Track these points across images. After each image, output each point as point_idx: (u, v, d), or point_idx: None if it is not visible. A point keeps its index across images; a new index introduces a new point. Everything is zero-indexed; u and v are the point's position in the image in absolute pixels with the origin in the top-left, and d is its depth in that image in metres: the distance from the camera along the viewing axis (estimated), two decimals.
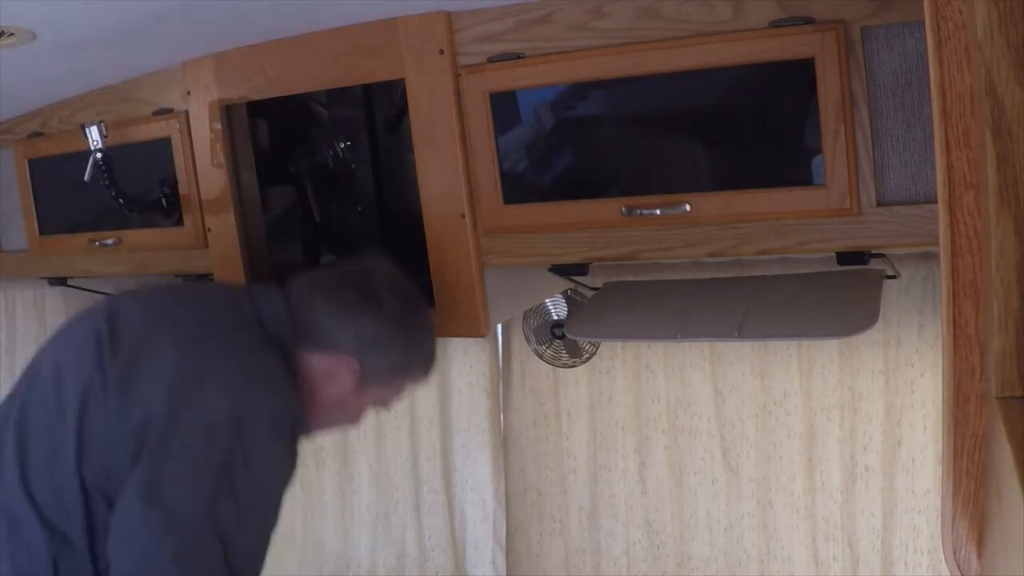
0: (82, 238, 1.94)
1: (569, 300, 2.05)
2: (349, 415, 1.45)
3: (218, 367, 1.27)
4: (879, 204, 1.25)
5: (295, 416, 1.30)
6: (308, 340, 1.36)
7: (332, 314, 1.37)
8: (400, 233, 1.78)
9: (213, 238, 1.78)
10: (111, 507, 1.21)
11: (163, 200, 1.81)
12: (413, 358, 1.44)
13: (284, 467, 1.28)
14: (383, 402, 1.47)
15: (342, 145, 1.79)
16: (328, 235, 1.91)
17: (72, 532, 1.23)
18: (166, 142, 1.77)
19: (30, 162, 1.97)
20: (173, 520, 1.16)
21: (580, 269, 1.53)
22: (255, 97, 1.67)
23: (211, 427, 1.21)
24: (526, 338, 2.13)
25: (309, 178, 1.82)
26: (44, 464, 1.26)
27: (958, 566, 0.89)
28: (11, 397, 1.38)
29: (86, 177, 1.65)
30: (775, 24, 1.24)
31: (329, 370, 1.37)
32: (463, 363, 2.31)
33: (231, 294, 1.42)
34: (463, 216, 1.51)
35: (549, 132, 1.45)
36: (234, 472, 1.19)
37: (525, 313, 2.08)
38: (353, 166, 1.85)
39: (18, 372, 2.51)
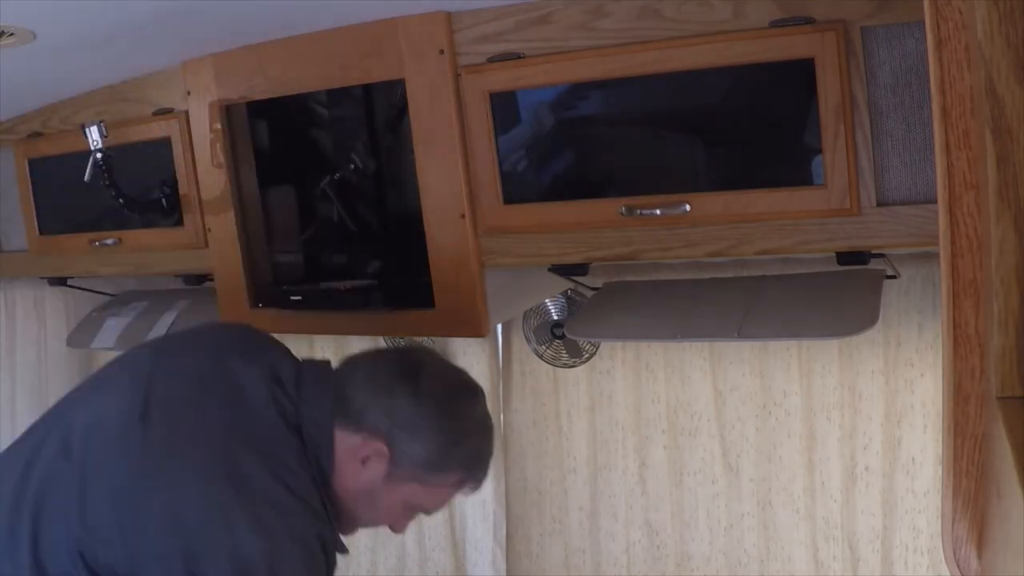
0: (82, 238, 1.94)
1: (569, 300, 2.05)
2: (383, 511, 1.33)
3: (247, 499, 1.17)
4: (879, 204, 1.25)
5: (326, 536, 1.23)
6: (342, 415, 1.27)
7: (366, 387, 1.28)
8: (400, 233, 1.78)
9: (213, 238, 1.78)
10: None
11: (163, 200, 1.81)
12: (453, 452, 1.29)
13: None
14: (422, 505, 1.34)
15: (356, 158, 1.78)
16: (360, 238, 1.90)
17: None
18: (166, 142, 1.77)
19: (30, 162, 1.97)
20: None
21: (580, 269, 1.53)
22: (255, 97, 1.67)
23: (242, 569, 1.13)
24: (526, 338, 2.13)
25: (337, 197, 1.81)
26: (59, 540, 1.19)
27: (958, 566, 0.89)
28: (30, 449, 1.28)
29: (86, 177, 1.65)
30: (775, 24, 1.24)
31: (356, 449, 1.27)
32: (463, 363, 2.31)
33: (267, 383, 1.27)
34: (463, 216, 1.51)
35: (549, 132, 1.45)
36: None
37: (525, 313, 2.08)
38: (371, 171, 1.85)
39: (18, 372, 2.53)
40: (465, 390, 1.35)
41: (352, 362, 1.36)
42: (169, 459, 1.19)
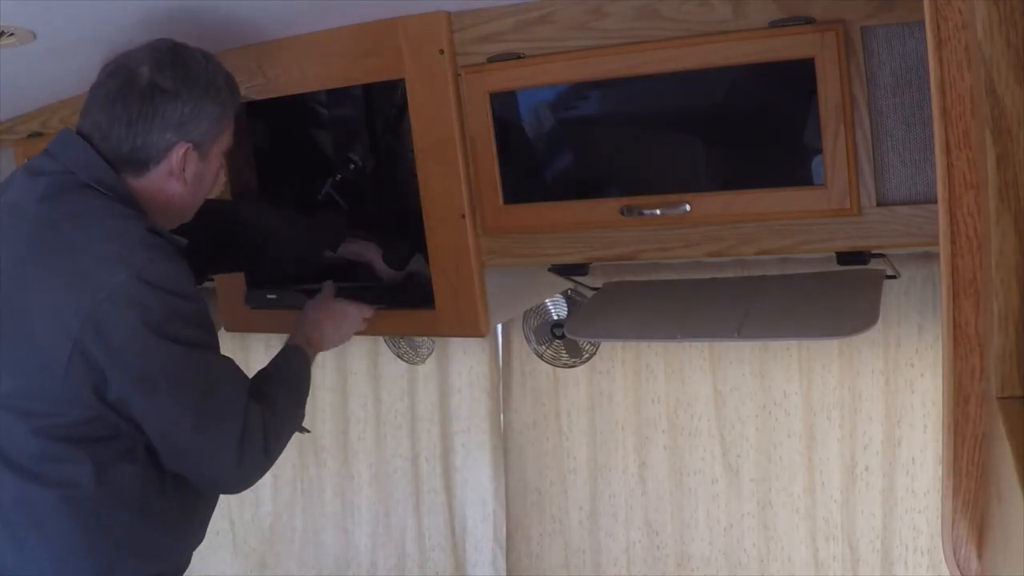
0: None
1: (569, 300, 2.05)
2: (212, 180, 1.40)
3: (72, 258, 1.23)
4: (879, 204, 1.26)
5: (156, 242, 1.26)
6: (131, 163, 1.30)
7: (133, 130, 1.28)
8: (400, 233, 1.78)
9: None
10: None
11: None
12: (218, 97, 1.34)
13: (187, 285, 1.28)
14: (230, 142, 1.41)
15: (355, 157, 1.78)
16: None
17: None
18: None
19: None
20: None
21: (580, 269, 1.53)
22: (255, 97, 1.67)
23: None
24: (526, 338, 2.13)
25: (344, 197, 1.81)
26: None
27: (958, 566, 0.90)
28: None
29: None
30: (775, 24, 1.24)
31: (168, 170, 1.31)
32: (463, 363, 2.31)
33: (29, 173, 1.32)
34: (463, 216, 1.51)
35: (549, 132, 1.45)
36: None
37: (525, 313, 2.08)
38: (370, 169, 1.85)
39: None
40: (181, 51, 1.34)
41: (88, 119, 1.33)
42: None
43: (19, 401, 1.25)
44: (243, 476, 1.31)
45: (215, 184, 1.41)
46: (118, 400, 1.22)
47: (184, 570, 1.44)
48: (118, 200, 1.28)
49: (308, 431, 1.50)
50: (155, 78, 1.28)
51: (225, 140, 1.38)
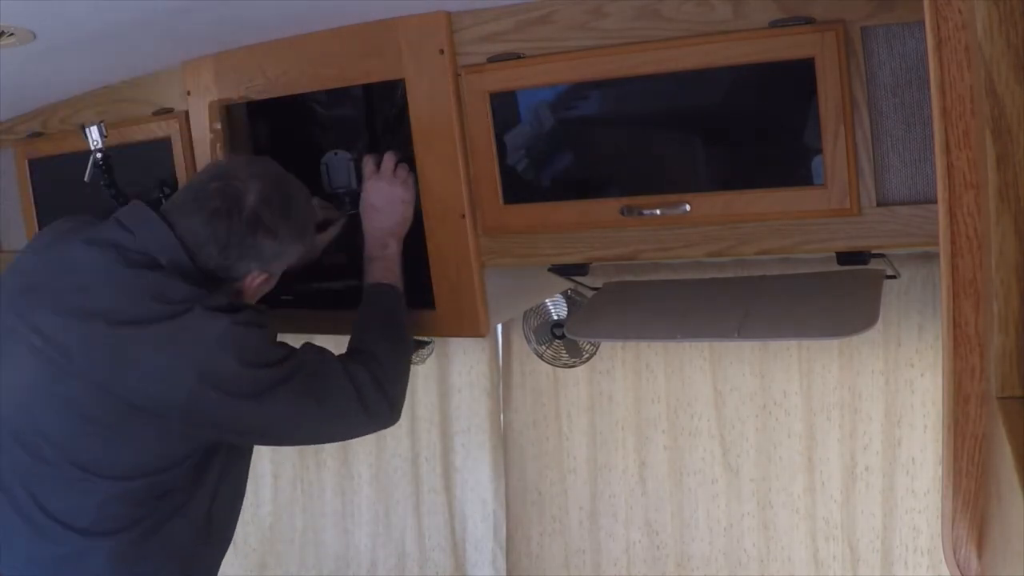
0: None
1: (569, 300, 2.05)
2: (269, 288, 1.47)
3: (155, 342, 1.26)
4: (879, 204, 1.25)
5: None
6: (206, 278, 1.35)
7: (226, 253, 1.34)
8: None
9: None
10: None
11: (163, 200, 1.80)
12: (306, 240, 1.45)
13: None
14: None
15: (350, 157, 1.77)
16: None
17: None
18: (166, 142, 1.77)
19: (30, 162, 1.97)
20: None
21: (580, 269, 1.53)
22: (255, 97, 1.67)
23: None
24: (526, 338, 2.13)
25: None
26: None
27: (958, 566, 0.89)
28: None
29: (86, 177, 1.65)
30: (775, 24, 1.24)
31: (242, 290, 1.40)
32: (463, 363, 2.32)
33: (103, 251, 1.32)
34: (463, 216, 1.51)
35: (549, 132, 1.45)
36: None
37: (525, 313, 2.08)
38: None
39: None
40: (287, 187, 1.41)
41: (179, 213, 1.35)
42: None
43: (89, 459, 1.28)
44: (377, 422, 1.41)
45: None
46: (232, 427, 1.32)
47: None
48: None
49: (429, 342, 1.59)
50: (260, 211, 1.35)
51: (293, 260, 1.45)
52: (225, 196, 1.34)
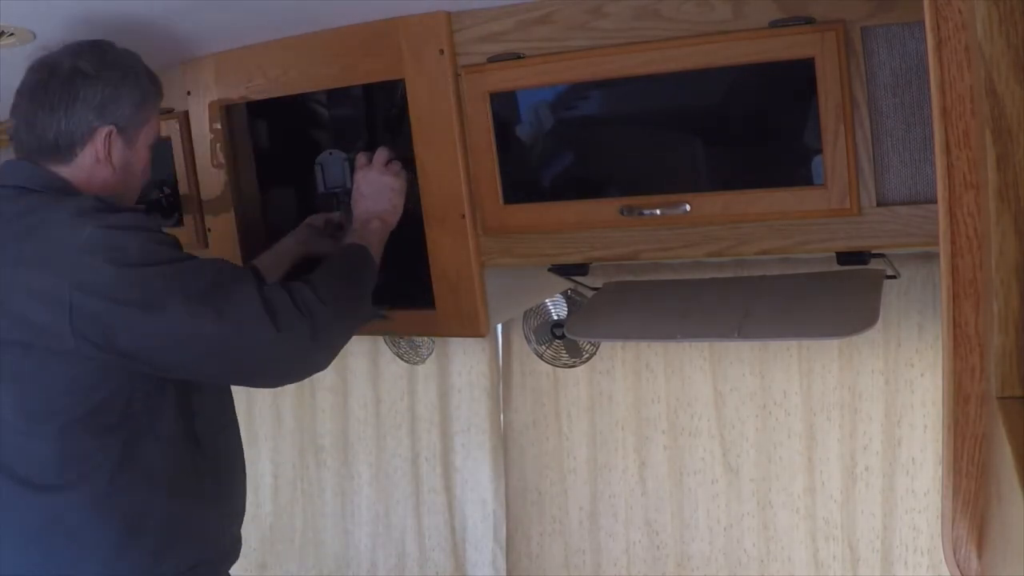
0: None
1: (569, 300, 2.05)
2: (142, 171, 1.42)
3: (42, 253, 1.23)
4: (879, 204, 1.26)
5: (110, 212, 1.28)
6: (57, 152, 1.31)
7: (55, 117, 1.30)
8: (400, 233, 1.78)
9: (213, 238, 1.78)
10: None
11: (163, 200, 1.80)
12: (141, 82, 1.38)
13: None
14: (156, 137, 1.44)
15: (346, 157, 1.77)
16: None
17: None
18: (166, 142, 1.77)
19: None
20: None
21: (580, 269, 1.53)
22: (255, 97, 1.67)
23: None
24: (526, 338, 2.13)
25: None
26: None
27: (958, 566, 0.89)
28: None
29: None
30: (775, 24, 1.24)
31: (94, 156, 1.33)
32: (463, 363, 2.32)
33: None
34: (463, 216, 1.51)
35: (549, 132, 1.45)
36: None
37: (525, 313, 2.08)
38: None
39: None
40: (98, 42, 1.37)
41: (13, 112, 1.35)
42: None
43: (30, 408, 1.24)
44: (293, 343, 1.26)
45: (144, 179, 1.44)
46: (131, 346, 1.21)
47: (234, 554, 1.43)
48: (58, 192, 1.30)
49: (383, 315, 1.51)
50: (75, 63, 1.31)
51: (151, 131, 1.40)
52: (41, 70, 1.32)
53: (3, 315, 1.23)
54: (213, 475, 1.36)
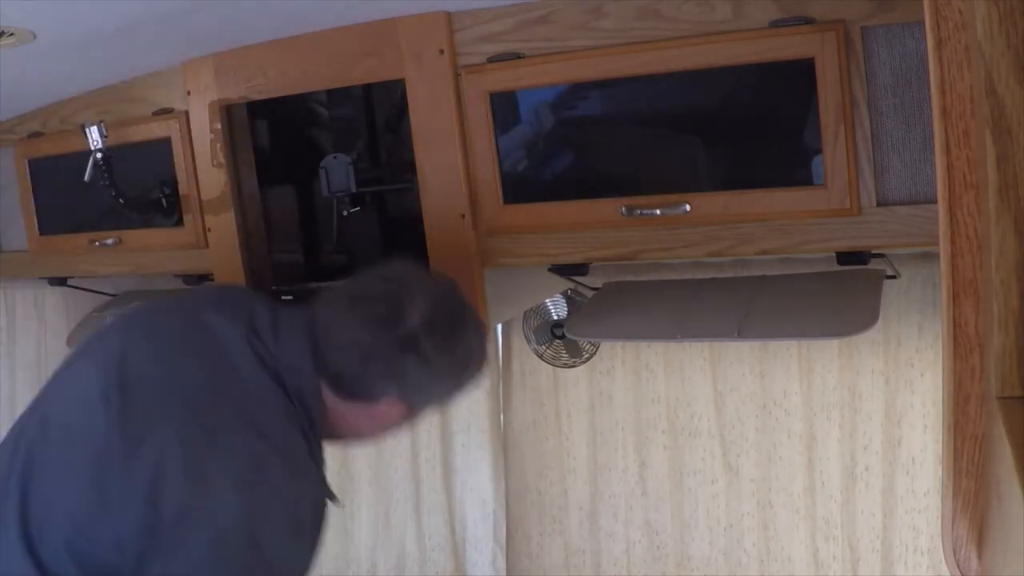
0: (82, 238, 1.94)
1: (569, 300, 2.05)
2: (378, 436, 1.34)
3: (226, 456, 1.12)
4: (879, 204, 1.25)
5: (316, 494, 1.20)
6: (340, 387, 1.21)
7: (367, 363, 1.19)
8: (400, 233, 1.78)
9: (213, 238, 1.78)
10: None
11: (163, 200, 1.80)
12: (462, 382, 1.28)
13: (307, 553, 1.18)
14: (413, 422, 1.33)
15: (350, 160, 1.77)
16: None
17: None
18: (166, 142, 1.77)
19: (30, 162, 1.97)
20: None
21: (580, 269, 1.53)
22: (255, 97, 1.67)
23: (221, 532, 1.09)
24: (526, 338, 2.13)
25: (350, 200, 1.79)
26: (53, 527, 1.14)
27: (958, 566, 0.89)
28: (12, 440, 1.24)
29: (86, 177, 1.65)
30: (775, 24, 1.24)
31: (374, 415, 1.24)
32: None
33: (243, 334, 1.21)
34: (463, 216, 1.51)
35: (549, 132, 1.45)
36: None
37: (525, 313, 2.08)
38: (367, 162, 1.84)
39: (18, 372, 2.53)
40: (459, 320, 1.24)
41: (327, 317, 1.23)
42: (145, 429, 1.13)
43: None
44: None
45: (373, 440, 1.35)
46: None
47: None
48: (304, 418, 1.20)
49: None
50: (420, 336, 1.18)
51: (419, 417, 1.29)
52: (388, 302, 1.20)
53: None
54: None
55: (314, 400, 1.21)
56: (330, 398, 1.22)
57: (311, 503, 1.19)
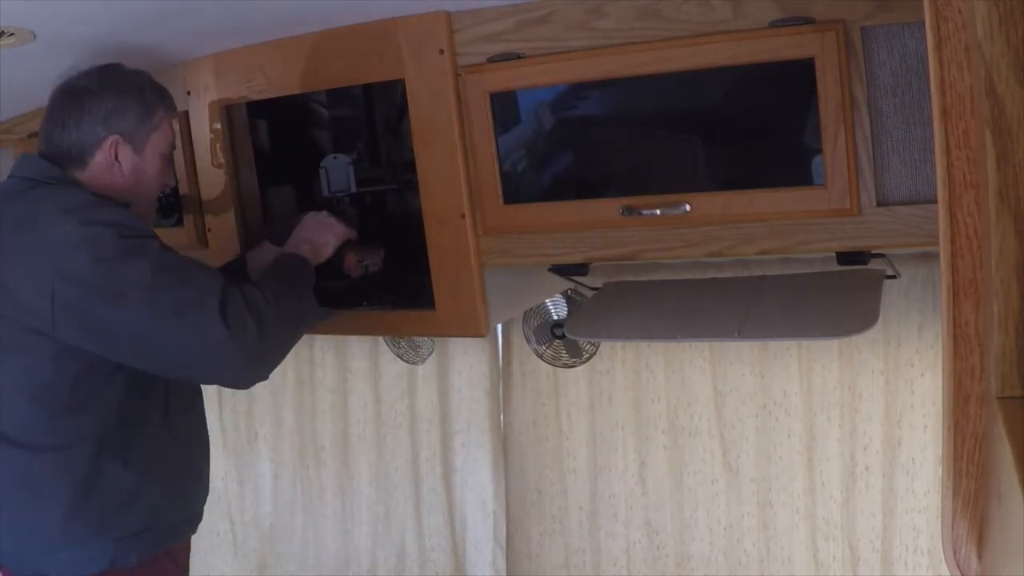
0: None
1: (569, 300, 2.05)
2: (155, 176, 1.53)
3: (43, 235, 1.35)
4: (879, 204, 1.26)
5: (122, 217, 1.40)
6: (72, 160, 1.45)
7: (69, 127, 1.44)
8: (400, 233, 1.78)
9: (213, 238, 1.78)
10: None
11: (163, 200, 1.81)
12: (139, 96, 1.49)
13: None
14: (169, 144, 1.54)
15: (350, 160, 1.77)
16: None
17: None
18: None
19: None
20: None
21: (580, 269, 1.53)
22: (255, 97, 1.67)
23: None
24: (526, 338, 2.13)
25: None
26: None
27: (958, 566, 0.90)
28: None
29: None
30: (775, 24, 1.24)
31: (105, 162, 1.45)
32: (463, 363, 2.31)
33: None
34: (463, 216, 1.51)
35: (549, 132, 1.45)
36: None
37: (525, 313, 2.08)
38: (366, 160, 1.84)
39: None
40: (107, 65, 1.50)
41: (39, 133, 1.49)
42: None
43: (19, 380, 1.38)
44: (238, 344, 1.34)
45: (160, 182, 1.55)
46: (95, 333, 1.34)
47: (185, 529, 1.55)
48: (69, 185, 1.44)
49: (330, 316, 1.57)
50: (82, 82, 1.46)
51: (160, 140, 1.51)
52: (57, 92, 1.47)
53: (4, 292, 1.36)
54: (174, 455, 1.50)
55: (69, 178, 1.45)
56: (79, 176, 1.45)
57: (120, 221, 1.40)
